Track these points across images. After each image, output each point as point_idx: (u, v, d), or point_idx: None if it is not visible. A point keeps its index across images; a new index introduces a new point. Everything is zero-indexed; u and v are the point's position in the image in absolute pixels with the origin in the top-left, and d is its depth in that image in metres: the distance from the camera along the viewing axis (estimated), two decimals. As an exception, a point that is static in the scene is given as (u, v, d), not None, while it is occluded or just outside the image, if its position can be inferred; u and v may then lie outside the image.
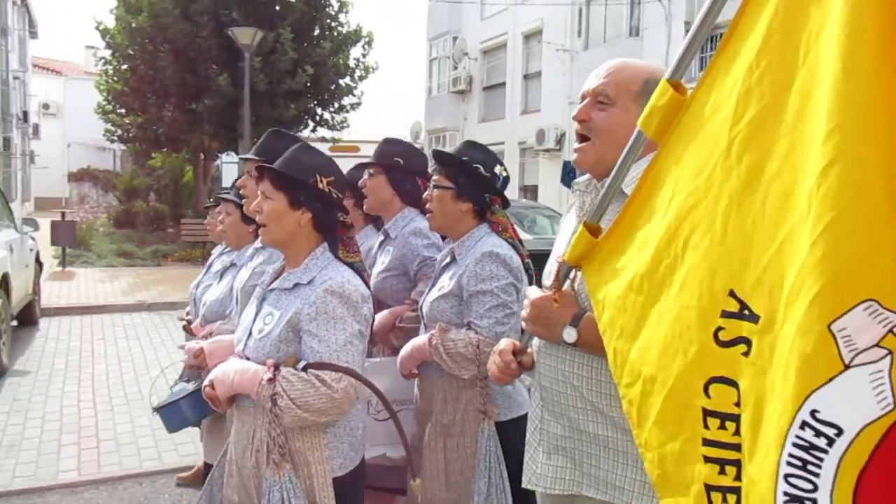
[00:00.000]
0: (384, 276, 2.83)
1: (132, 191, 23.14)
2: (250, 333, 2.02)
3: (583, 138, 1.66)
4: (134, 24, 15.71)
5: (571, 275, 1.57)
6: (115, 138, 20.10)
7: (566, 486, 1.65)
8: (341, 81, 17.14)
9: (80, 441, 4.90)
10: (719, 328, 1.13)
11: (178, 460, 4.53)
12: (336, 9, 17.01)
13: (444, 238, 2.72)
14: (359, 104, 17.73)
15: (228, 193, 3.29)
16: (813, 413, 0.99)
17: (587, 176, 1.72)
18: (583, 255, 1.48)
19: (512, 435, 2.12)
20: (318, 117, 17.45)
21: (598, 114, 1.62)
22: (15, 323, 7.73)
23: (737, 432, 1.15)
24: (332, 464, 1.95)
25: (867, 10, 0.97)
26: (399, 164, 2.86)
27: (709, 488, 1.19)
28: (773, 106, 1.09)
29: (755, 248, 1.07)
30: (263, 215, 2.01)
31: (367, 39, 17.29)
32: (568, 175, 9.46)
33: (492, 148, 2.63)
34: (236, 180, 3.29)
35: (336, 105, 17.50)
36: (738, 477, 1.16)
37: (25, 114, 28.28)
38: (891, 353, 0.95)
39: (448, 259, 2.44)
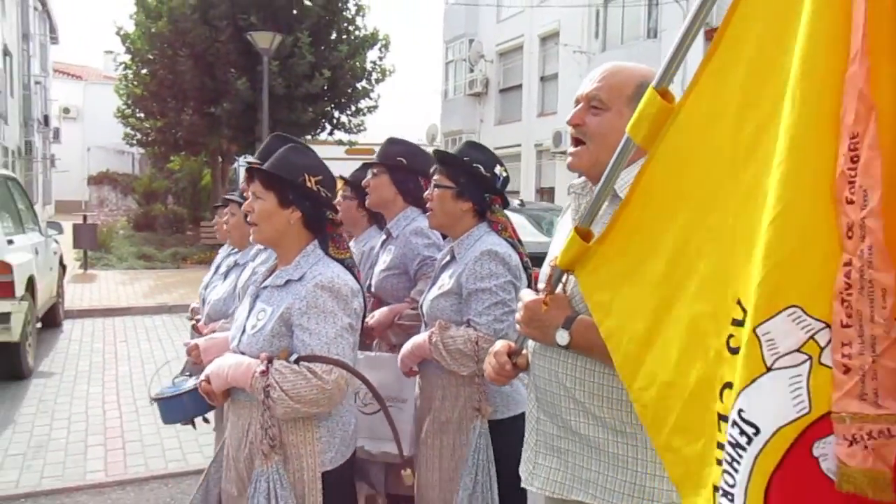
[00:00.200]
0: (385, 274, 2.85)
1: (151, 194, 23.39)
2: (244, 330, 2.07)
3: (577, 142, 1.67)
4: (153, 29, 15.88)
5: (564, 278, 1.58)
6: (135, 142, 20.30)
7: (556, 488, 1.68)
8: (358, 85, 17.18)
9: (107, 442, 4.96)
10: (730, 335, 1.15)
11: (203, 462, 4.52)
12: (353, 12, 17.07)
13: (444, 237, 2.74)
14: (375, 107, 17.77)
15: (234, 194, 3.34)
16: (739, 412, 1.05)
17: (583, 178, 1.73)
18: (575, 259, 1.49)
19: (510, 433, 2.13)
20: (335, 120, 17.51)
21: (592, 118, 1.63)
22: (39, 325, 7.81)
23: None
24: (323, 458, 2.00)
25: (827, 12, 1.00)
26: (402, 163, 2.88)
27: (717, 490, 1.21)
28: (773, 113, 1.10)
29: (755, 255, 1.08)
30: (255, 215, 2.06)
31: (383, 43, 17.33)
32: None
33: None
34: (243, 182, 3.33)
35: (353, 108, 17.55)
36: None
37: (46, 118, 28.70)
38: (810, 358, 1.00)
39: (448, 257, 2.47)
